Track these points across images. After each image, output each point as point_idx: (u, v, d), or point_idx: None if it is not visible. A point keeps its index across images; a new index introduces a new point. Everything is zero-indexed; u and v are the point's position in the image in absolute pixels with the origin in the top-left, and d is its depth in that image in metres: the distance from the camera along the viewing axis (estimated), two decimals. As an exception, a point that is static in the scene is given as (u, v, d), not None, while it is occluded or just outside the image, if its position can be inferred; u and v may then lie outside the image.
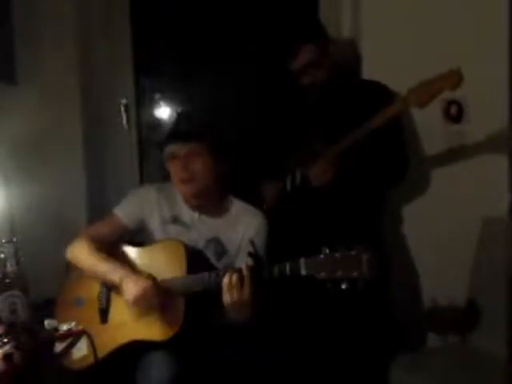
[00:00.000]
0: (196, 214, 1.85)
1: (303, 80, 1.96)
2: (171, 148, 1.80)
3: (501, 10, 2.07)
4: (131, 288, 1.63)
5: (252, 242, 1.62)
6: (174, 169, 1.80)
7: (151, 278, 1.70)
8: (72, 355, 1.55)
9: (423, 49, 2.12)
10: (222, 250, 1.83)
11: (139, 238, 1.89)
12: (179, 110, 2.63)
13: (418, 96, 1.71)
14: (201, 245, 1.83)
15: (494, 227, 2.09)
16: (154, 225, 1.85)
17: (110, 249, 1.80)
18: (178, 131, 1.88)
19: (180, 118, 2.09)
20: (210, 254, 1.82)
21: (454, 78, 1.66)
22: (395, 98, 1.84)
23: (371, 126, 1.79)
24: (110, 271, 1.70)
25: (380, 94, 1.94)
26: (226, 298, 1.56)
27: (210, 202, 1.85)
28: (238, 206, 1.88)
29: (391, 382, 2.01)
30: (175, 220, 1.85)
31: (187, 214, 1.86)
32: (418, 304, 2.28)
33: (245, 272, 1.55)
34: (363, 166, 1.88)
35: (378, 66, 2.17)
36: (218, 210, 1.87)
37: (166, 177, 1.89)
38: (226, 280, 1.55)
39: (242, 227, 1.83)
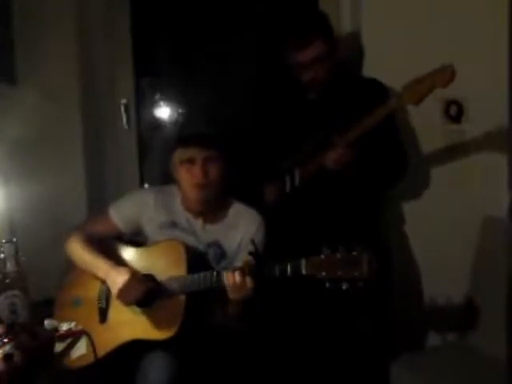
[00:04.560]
0: (199, 221, 1.84)
1: (304, 75, 1.96)
2: (186, 152, 1.77)
3: (501, 10, 2.07)
4: (114, 283, 1.66)
5: (253, 242, 1.62)
6: (189, 172, 1.77)
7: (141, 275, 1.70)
8: (71, 354, 1.55)
9: (423, 45, 2.12)
10: (221, 254, 1.83)
11: (139, 238, 1.90)
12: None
13: (413, 94, 1.71)
14: (200, 249, 1.82)
15: (494, 227, 2.09)
16: (152, 229, 1.85)
17: (106, 245, 1.81)
18: (197, 135, 1.82)
19: (198, 121, 2.06)
20: (210, 258, 1.82)
21: (447, 74, 1.66)
22: (390, 96, 1.85)
23: (369, 123, 1.79)
24: (97, 267, 1.73)
25: (377, 91, 1.95)
26: (232, 295, 1.60)
27: (213, 208, 1.85)
28: (236, 208, 1.88)
29: (391, 381, 2.01)
30: (174, 225, 1.84)
31: (186, 219, 1.85)
32: (417, 304, 2.28)
33: (245, 269, 1.58)
34: (361, 164, 1.88)
35: (378, 61, 2.17)
36: (218, 214, 1.86)
37: (166, 177, 1.89)
38: (230, 279, 1.58)
39: (240, 230, 1.83)
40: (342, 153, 1.83)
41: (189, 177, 1.77)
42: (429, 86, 1.69)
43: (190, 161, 1.76)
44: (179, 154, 1.80)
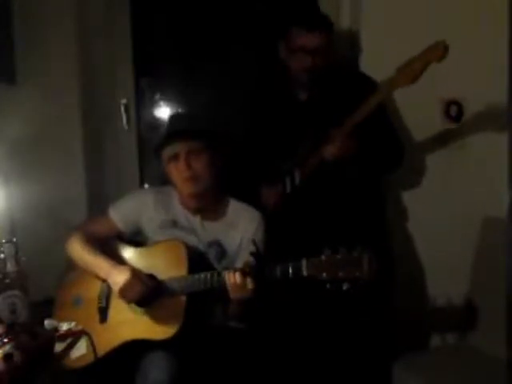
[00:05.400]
0: (197, 219, 1.85)
1: (304, 61, 1.94)
2: (171, 149, 1.78)
3: (501, 10, 2.07)
4: (115, 282, 1.67)
5: (254, 242, 1.62)
6: (176, 169, 1.78)
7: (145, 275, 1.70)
8: (71, 354, 1.55)
9: (423, 44, 2.11)
10: (222, 252, 1.83)
11: (139, 238, 1.90)
12: (175, 112, 2.62)
13: (408, 73, 1.72)
14: (201, 248, 1.82)
15: (494, 227, 2.09)
16: (152, 229, 1.85)
17: (106, 245, 1.82)
18: (177, 130, 1.82)
19: (176, 118, 2.06)
20: (211, 257, 1.82)
21: (440, 49, 1.66)
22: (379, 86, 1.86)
23: (362, 113, 1.80)
24: (98, 267, 1.74)
25: (366, 84, 1.95)
26: (233, 295, 1.60)
27: (210, 204, 1.85)
28: (235, 207, 1.88)
29: (393, 381, 2.01)
30: (174, 224, 1.84)
31: (185, 218, 1.85)
32: (418, 304, 2.28)
33: (246, 269, 1.58)
34: (359, 155, 1.89)
35: (378, 59, 2.17)
36: (217, 212, 1.87)
37: (165, 178, 1.89)
38: (231, 279, 1.58)
39: (240, 229, 1.83)
40: (340, 145, 1.84)
41: (176, 173, 1.79)
42: (423, 62, 1.69)
43: (176, 157, 1.78)
44: (167, 153, 1.80)
